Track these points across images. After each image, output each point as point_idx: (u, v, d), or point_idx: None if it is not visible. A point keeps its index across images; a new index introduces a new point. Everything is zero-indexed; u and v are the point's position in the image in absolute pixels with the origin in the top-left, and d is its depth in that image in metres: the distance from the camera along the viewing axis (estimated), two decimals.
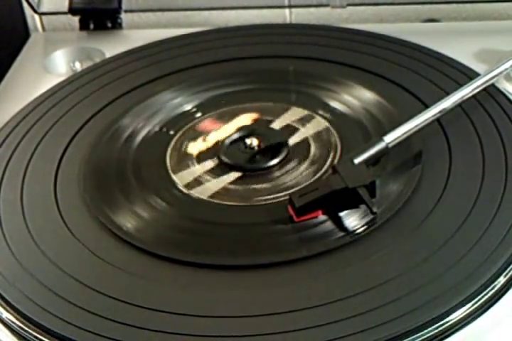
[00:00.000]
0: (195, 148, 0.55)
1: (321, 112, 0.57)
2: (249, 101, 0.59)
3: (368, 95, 0.58)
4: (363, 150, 0.50)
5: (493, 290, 0.43)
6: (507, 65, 0.57)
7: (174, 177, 0.53)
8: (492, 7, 0.75)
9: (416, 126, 0.52)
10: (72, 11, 0.73)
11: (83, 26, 0.74)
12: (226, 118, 0.58)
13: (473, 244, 0.45)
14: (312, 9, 0.77)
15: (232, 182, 0.52)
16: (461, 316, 0.42)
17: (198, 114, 0.59)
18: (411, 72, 0.60)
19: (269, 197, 0.50)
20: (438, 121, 0.53)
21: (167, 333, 0.42)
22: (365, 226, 0.47)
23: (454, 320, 0.42)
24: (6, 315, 0.45)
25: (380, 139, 0.51)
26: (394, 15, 0.77)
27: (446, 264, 0.44)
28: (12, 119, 0.59)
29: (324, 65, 0.62)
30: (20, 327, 0.44)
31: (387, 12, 0.77)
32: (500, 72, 0.56)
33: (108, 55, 0.67)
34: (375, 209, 0.46)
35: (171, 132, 0.57)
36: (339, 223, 0.47)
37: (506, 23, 0.71)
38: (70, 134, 0.57)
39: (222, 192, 0.51)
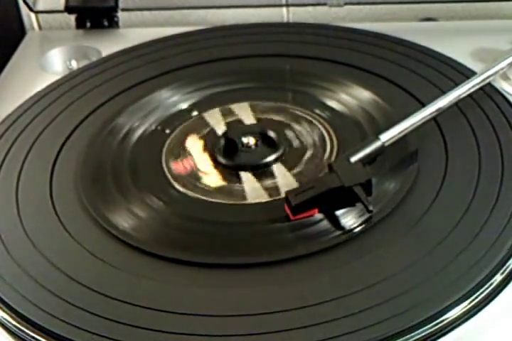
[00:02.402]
0: (191, 146, 0.55)
1: (317, 111, 0.57)
2: (245, 100, 0.59)
3: (364, 94, 0.58)
4: (359, 148, 0.50)
5: (490, 288, 0.43)
6: (503, 64, 0.57)
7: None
8: (489, 6, 0.75)
9: (412, 124, 0.52)
10: (68, 9, 0.73)
11: (79, 25, 0.73)
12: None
13: (469, 242, 0.45)
14: (310, 8, 0.77)
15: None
16: (458, 314, 0.42)
17: (194, 113, 0.59)
18: (408, 70, 0.60)
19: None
20: (434, 119, 0.53)
21: (165, 332, 0.42)
22: (362, 225, 0.47)
23: (450, 319, 0.42)
24: (3, 315, 0.44)
25: (377, 138, 0.51)
26: (391, 14, 0.77)
27: (443, 262, 0.44)
28: (7, 118, 0.59)
29: (321, 64, 0.62)
30: (16, 327, 0.44)
31: (384, 11, 0.77)
32: (497, 71, 0.56)
33: (104, 53, 0.67)
34: (371, 208, 0.46)
35: (167, 131, 0.57)
36: (335, 222, 0.47)
37: (503, 22, 0.71)
38: (66, 133, 0.57)
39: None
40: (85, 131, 0.57)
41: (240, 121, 0.57)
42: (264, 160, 0.53)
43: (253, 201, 0.50)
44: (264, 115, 0.57)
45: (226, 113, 0.58)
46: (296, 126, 0.56)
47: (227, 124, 0.57)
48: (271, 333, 0.41)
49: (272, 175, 0.52)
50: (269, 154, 0.53)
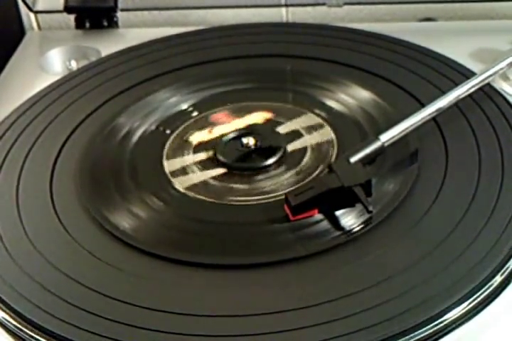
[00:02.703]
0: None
1: (317, 111, 0.57)
2: (245, 101, 0.59)
3: (364, 94, 0.58)
4: (359, 149, 0.50)
5: (490, 289, 0.43)
6: (503, 64, 0.57)
7: (171, 176, 0.53)
8: (488, 6, 0.75)
9: (412, 125, 0.52)
10: (67, 9, 0.73)
11: (79, 25, 0.73)
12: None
13: (469, 243, 0.45)
14: (309, 8, 0.77)
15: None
16: (458, 315, 0.42)
17: (195, 113, 0.59)
18: (407, 71, 0.60)
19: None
20: (434, 120, 0.53)
21: (164, 332, 0.42)
22: (361, 226, 0.47)
23: (451, 319, 0.42)
24: (2, 315, 0.44)
25: (376, 138, 0.51)
26: (390, 14, 0.77)
27: (443, 263, 0.44)
28: (7, 118, 0.59)
29: (321, 64, 0.62)
30: (16, 326, 0.44)
31: (383, 11, 0.77)
32: (496, 72, 0.56)
33: (104, 53, 0.67)
34: (370, 208, 0.46)
35: (168, 131, 0.57)
36: (335, 222, 0.47)
37: (502, 23, 0.71)
38: (66, 133, 0.57)
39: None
40: (85, 132, 0.57)
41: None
42: (263, 160, 0.53)
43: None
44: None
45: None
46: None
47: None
48: (270, 333, 0.41)
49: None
50: (269, 155, 0.53)
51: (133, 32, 0.72)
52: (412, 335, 0.41)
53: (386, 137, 0.51)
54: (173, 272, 0.45)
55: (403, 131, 0.51)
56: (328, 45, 0.64)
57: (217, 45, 0.65)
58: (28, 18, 0.78)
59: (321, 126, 0.56)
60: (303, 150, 0.54)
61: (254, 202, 0.50)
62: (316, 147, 0.54)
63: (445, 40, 0.65)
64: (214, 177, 0.52)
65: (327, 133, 0.55)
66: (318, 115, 0.57)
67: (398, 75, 0.59)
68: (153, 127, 0.58)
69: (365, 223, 0.47)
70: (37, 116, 0.59)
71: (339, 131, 0.55)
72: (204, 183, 0.52)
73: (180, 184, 0.52)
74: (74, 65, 0.68)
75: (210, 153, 0.54)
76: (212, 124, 0.57)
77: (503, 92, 0.57)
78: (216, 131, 0.56)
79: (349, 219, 0.47)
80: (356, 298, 0.42)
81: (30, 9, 0.76)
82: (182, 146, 0.55)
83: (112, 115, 0.58)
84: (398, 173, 0.50)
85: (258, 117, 0.57)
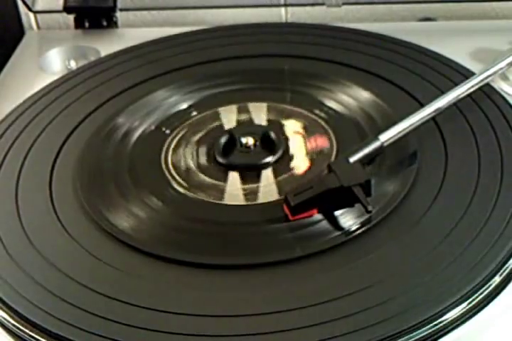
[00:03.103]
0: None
1: (316, 111, 0.57)
2: (244, 101, 0.59)
3: (363, 94, 0.58)
4: (358, 149, 0.50)
5: (489, 290, 0.43)
6: (502, 64, 0.57)
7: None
8: (488, 6, 0.75)
9: (411, 125, 0.52)
10: (67, 9, 0.73)
11: (78, 25, 0.73)
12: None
13: (468, 244, 0.45)
14: (308, 8, 0.77)
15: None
16: (456, 315, 0.42)
17: (194, 113, 0.59)
18: (406, 71, 0.60)
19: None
20: (434, 120, 0.53)
21: (163, 332, 0.42)
22: (361, 226, 0.47)
23: (449, 320, 0.42)
24: (2, 315, 0.44)
25: (376, 138, 0.51)
26: (389, 14, 0.77)
27: (442, 263, 0.44)
28: (6, 118, 0.59)
29: (320, 64, 0.62)
30: (15, 326, 0.44)
31: (382, 11, 0.77)
32: (496, 72, 0.56)
33: (103, 53, 0.67)
34: (370, 208, 0.46)
35: (167, 131, 0.57)
36: (334, 222, 0.47)
37: (502, 23, 0.71)
38: (65, 133, 0.57)
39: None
40: (84, 131, 0.57)
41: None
42: (262, 161, 0.53)
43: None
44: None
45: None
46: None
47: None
48: (270, 333, 0.41)
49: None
50: (268, 155, 0.53)
51: (132, 32, 0.72)
52: (411, 335, 0.41)
53: (385, 137, 0.51)
54: (172, 272, 0.45)
55: (402, 130, 0.51)
56: (327, 45, 0.64)
57: (217, 45, 0.65)
58: (28, 17, 0.78)
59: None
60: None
61: (254, 202, 0.50)
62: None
63: (444, 40, 0.65)
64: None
65: (326, 133, 0.55)
66: (317, 115, 0.57)
67: (397, 75, 0.59)
68: (152, 127, 0.58)
69: (365, 223, 0.47)
70: (36, 115, 0.59)
71: (338, 131, 0.55)
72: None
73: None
74: (73, 65, 0.68)
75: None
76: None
77: (502, 92, 0.57)
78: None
79: (348, 219, 0.47)
80: (355, 298, 0.42)
81: (29, 9, 0.75)
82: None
83: (111, 115, 0.58)
84: (397, 173, 0.50)
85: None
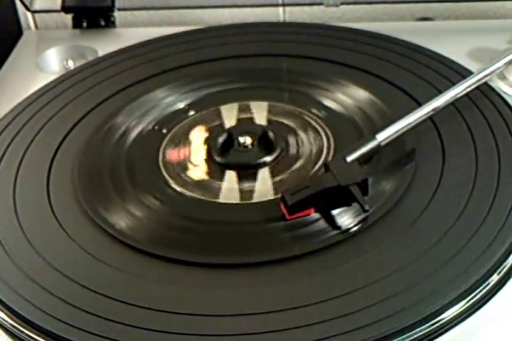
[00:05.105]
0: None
1: (314, 111, 0.57)
2: (242, 100, 0.59)
3: (360, 93, 0.58)
4: (355, 148, 0.50)
5: (487, 288, 0.43)
6: (500, 64, 0.57)
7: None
8: (485, 6, 0.75)
9: (409, 124, 0.52)
10: (65, 9, 0.73)
11: (76, 24, 0.73)
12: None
13: (466, 242, 0.45)
14: (306, 8, 0.77)
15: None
16: (454, 314, 0.42)
17: (191, 113, 0.59)
18: (404, 70, 0.60)
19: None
20: (431, 119, 0.53)
21: (162, 332, 0.42)
22: (358, 225, 0.47)
23: (447, 318, 0.42)
24: (0, 315, 0.44)
25: (373, 137, 0.51)
26: (387, 13, 0.77)
27: (440, 262, 0.44)
28: (4, 118, 0.59)
29: (317, 64, 0.62)
30: (14, 326, 0.44)
31: (380, 10, 0.77)
32: (494, 71, 0.56)
33: (101, 53, 0.67)
34: (367, 207, 0.46)
35: (164, 130, 0.57)
36: (331, 221, 0.47)
37: (500, 22, 0.71)
38: (63, 133, 0.57)
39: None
40: (82, 131, 0.57)
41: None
42: (260, 160, 0.53)
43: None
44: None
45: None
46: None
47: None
48: (268, 333, 0.41)
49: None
50: (266, 154, 0.53)
51: (130, 31, 0.72)
52: (408, 334, 0.41)
53: (383, 136, 0.51)
54: (170, 271, 0.45)
55: (400, 130, 0.51)
56: (325, 44, 0.64)
57: (214, 45, 0.65)
58: (26, 17, 0.78)
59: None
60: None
61: (251, 201, 0.50)
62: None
63: (442, 39, 0.65)
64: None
65: (324, 133, 0.55)
66: (314, 114, 0.57)
67: (395, 74, 0.59)
68: (150, 126, 0.58)
69: (362, 222, 0.47)
70: (34, 115, 0.59)
71: (336, 130, 0.55)
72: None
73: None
74: (71, 65, 0.68)
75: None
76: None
77: (500, 91, 0.57)
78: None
79: (345, 218, 0.47)
80: (352, 297, 0.42)
81: (27, 9, 0.75)
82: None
83: (108, 114, 0.58)
84: (395, 172, 0.50)
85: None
